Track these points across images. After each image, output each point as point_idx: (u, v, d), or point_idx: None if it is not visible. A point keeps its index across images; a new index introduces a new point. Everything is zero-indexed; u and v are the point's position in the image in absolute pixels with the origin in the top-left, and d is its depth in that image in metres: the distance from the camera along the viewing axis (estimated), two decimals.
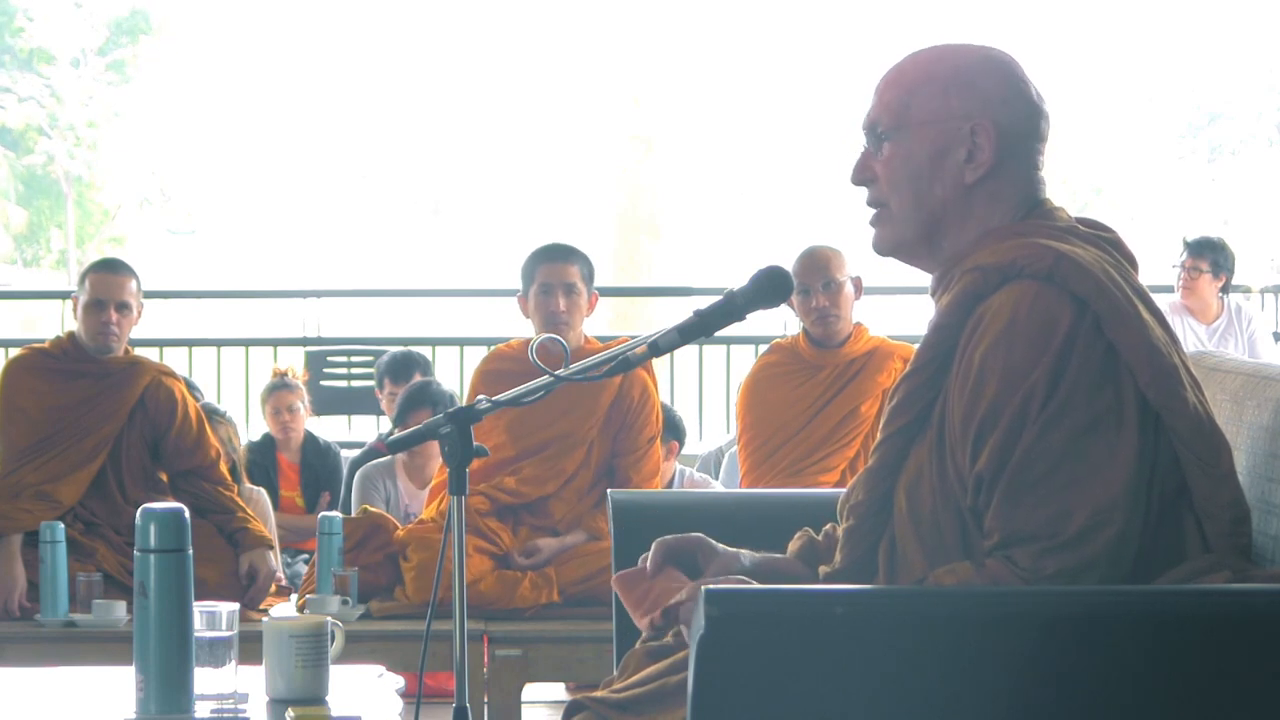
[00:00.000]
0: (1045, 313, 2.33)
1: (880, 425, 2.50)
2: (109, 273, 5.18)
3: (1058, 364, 2.30)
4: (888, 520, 2.46)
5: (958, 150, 2.47)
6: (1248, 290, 9.59)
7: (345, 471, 6.82)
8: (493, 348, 5.40)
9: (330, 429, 8.69)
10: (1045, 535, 2.27)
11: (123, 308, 5.13)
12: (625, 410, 5.02)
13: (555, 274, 4.97)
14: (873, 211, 2.56)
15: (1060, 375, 2.30)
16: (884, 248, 2.56)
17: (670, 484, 6.05)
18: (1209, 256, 7.35)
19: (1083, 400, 2.30)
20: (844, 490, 2.62)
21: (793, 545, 2.74)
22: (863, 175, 2.56)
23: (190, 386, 6.52)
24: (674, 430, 6.09)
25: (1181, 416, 2.34)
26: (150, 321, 5.60)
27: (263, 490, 6.19)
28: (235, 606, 2.90)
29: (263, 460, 7.08)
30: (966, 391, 2.34)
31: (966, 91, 2.48)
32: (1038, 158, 2.51)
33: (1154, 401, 2.33)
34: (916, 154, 2.49)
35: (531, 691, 5.04)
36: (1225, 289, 7.45)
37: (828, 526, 2.74)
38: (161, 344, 8.85)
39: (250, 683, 2.90)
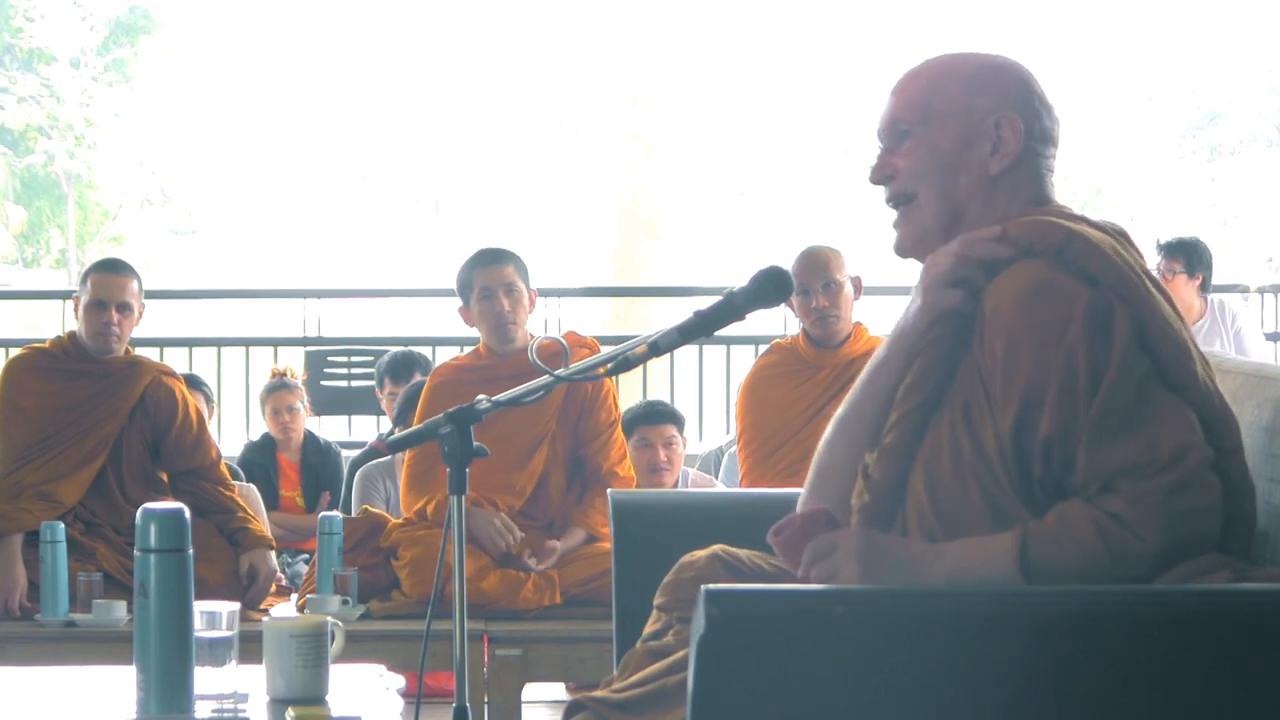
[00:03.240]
0: (1063, 285, 2.37)
1: (895, 405, 2.51)
2: (110, 273, 5.18)
3: (1092, 329, 2.34)
4: (903, 497, 2.47)
5: (982, 143, 2.51)
6: (1246, 290, 9.58)
7: (345, 471, 6.82)
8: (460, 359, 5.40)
9: (330, 429, 8.69)
10: (1143, 462, 2.30)
11: (124, 308, 5.12)
12: (580, 399, 5.04)
13: (493, 277, 4.99)
14: (895, 213, 2.58)
15: (1110, 338, 2.34)
16: (907, 245, 2.59)
17: (677, 484, 6.06)
18: (1182, 257, 7.32)
19: (1133, 360, 2.34)
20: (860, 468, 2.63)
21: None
22: (882, 174, 2.58)
23: (199, 383, 6.52)
24: (672, 416, 6.08)
25: (1193, 391, 2.38)
26: (150, 321, 5.60)
27: (252, 486, 6.18)
28: (235, 606, 2.90)
29: (263, 460, 7.09)
30: (998, 364, 2.36)
31: (987, 88, 2.53)
32: (1050, 160, 2.57)
33: (1169, 376, 2.37)
34: (941, 145, 2.53)
35: (531, 691, 5.04)
36: (1204, 288, 7.42)
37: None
38: (161, 344, 8.84)
39: (250, 683, 2.90)
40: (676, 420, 6.10)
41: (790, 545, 2.50)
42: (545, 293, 5.15)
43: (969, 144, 2.51)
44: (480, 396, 2.81)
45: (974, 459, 2.39)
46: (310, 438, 7.19)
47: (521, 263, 5.05)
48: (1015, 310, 2.36)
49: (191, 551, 2.73)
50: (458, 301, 5.16)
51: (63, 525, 4.84)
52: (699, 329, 2.69)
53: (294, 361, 8.09)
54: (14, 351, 5.99)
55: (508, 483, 4.98)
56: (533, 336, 5.09)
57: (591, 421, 5.04)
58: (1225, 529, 2.36)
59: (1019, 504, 2.37)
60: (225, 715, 2.78)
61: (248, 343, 9.61)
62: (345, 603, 4.79)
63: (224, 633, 2.84)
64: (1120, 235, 2.52)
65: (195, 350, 9.51)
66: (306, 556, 6.40)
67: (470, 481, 4.82)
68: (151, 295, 5.45)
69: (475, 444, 2.74)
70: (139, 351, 5.53)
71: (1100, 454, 2.32)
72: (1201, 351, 2.45)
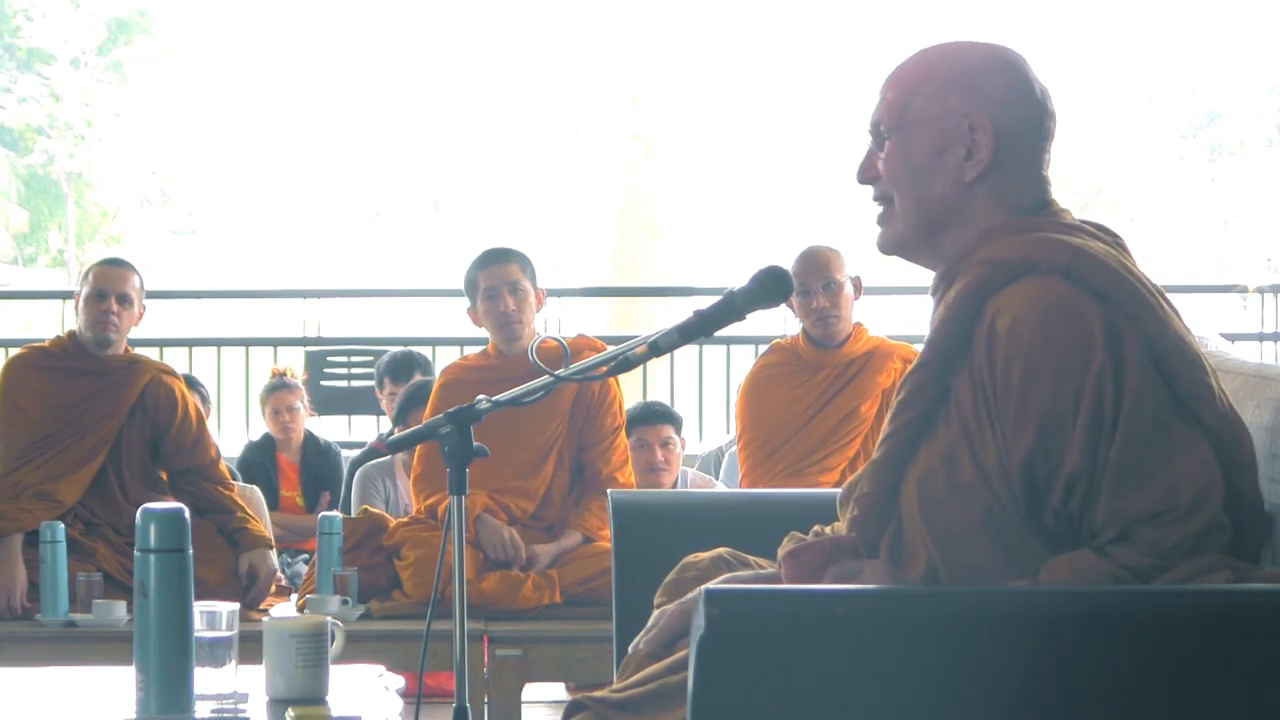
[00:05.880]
0: (1075, 306, 2.34)
1: (887, 419, 2.50)
2: (112, 266, 5.22)
3: (1113, 351, 2.31)
4: (893, 512, 2.46)
5: (956, 148, 2.48)
6: (1245, 289, 9.58)
7: (345, 471, 6.82)
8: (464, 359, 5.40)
9: (330, 429, 8.69)
10: (1163, 510, 2.28)
11: (124, 300, 5.13)
12: (588, 404, 5.05)
13: (497, 276, 4.98)
14: (879, 210, 2.57)
15: (1122, 363, 2.31)
16: (887, 246, 2.57)
17: (676, 485, 6.06)
18: None
19: (1149, 386, 2.32)
20: (843, 489, 2.62)
21: (782, 549, 2.74)
22: (867, 174, 2.57)
23: (195, 384, 6.52)
24: (669, 417, 6.09)
25: (1209, 406, 2.36)
26: (150, 321, 5.60)
27: (256, 488, 6.19)
28: (235, 606, 2.90)
29: (263, 460, 7.09)
30: (1013, 385, 2.33)
31: (966, 90, 2.48)
32: (1042, 157, 2.52)
33: (1183, 392, 2.35)
34: (916, 152, 2.50)
35: (531, 691, 5.04)
36: None
37: (816, 528, 2.74)
38: (161, 344, 8.85)
39: (250, 683, 2.90)
40: (674, 421, 6.11)
41: (809, 568, 2.49)
42: (546, 292, 5.15)
43: (942, 151, 2.47)
44: (480, 396, 2.80)
45: (973, 477, 2.36)
46: (310, 438, 7.19)
47: (527, 261, 5.05)
48: (1035, 329, 2.32)
49: (191, 551, 2.73)
50: (458, 301, 5.16)
51: (63, 525, 4.84)
52: (699, 329, 2.69)
53: (294, 361, 8.10)
54: (13, 351, 5.99)
55: (522, 487, 5.00)
56: (547, 339, 5.10)
57: (596, 426, 5.04)
58: (1234, 543, 2.34)
59: (1021, 524, 2.35)
60: (225, 715, 2.78)
61: (248, 343, 9.62)
62: (345, 603, 4.79)
63: (224, 633, 2.84)
64: (1117, 243, 2.49)
65: (195, 350, 9.53)
66: (306, 556, 6.40)
67: (485, 486, 4.91)
68: (151, 295, 5.46)
69: (475, 444, 2.74)
70: (138, 351, 5.53)
71: (1122, 498, 2.29)
72: (1212, 366, 2.42)
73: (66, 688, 3.15)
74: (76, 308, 5.20)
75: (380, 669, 3.16)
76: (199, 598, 2.78)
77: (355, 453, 6.88)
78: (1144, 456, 2.30)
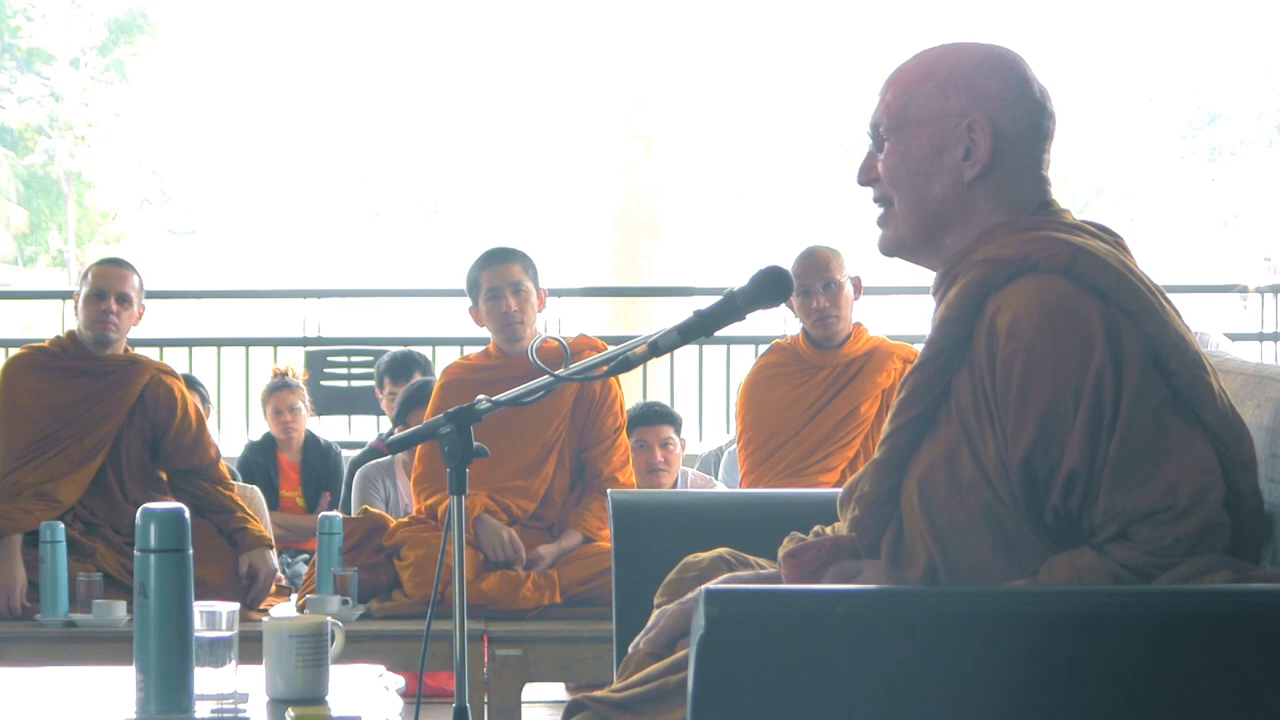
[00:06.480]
0: (1076, 304, 2.34)
1: (889, 418, 2.49)
2: (111, 266, 5.22)
3: (1113, 350, 2.31)
4: (894, 511, 2.46)
5: (955, 148, 2.48)
6: (1245, 289, 9.58)
7: (345, 471, 6.82)
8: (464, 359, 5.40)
9: (330, 429, 8.69)
10: (1162, 508, 2.29)
11: (123, 299, 5.13)
12: (589, 404, 5.04)
13: (500, 276, 4.98)
14: (880, 212, 2.57)
15: (1122, 361, 2.32)
16: (888, 248, 2.57)
17: (676, 485, 6.06)
18: None
19: (1150, 382, 2.32)
20: (843, 489, 2.62)
21: (782, 549, 2.74)
22: (867, 176, 2.57)
23: (195, 384, 6.52)
24: (669, 417, 6.09)
25: (1209, 405, 2.36)
26: (150, 321, 5.60)
27: (256, 488, 6.18)
28: (235, 606, 2.90)
29: (263, 460, 7.09)
30: (1014, 384, 2.33)
31: (964, 90, 2.48)
32: (1042, 156, 2.51)
33: (1183, 390, 2.35)
34: (914, 153, 2.50)
35: (531, 691, 5.04)
36: None
37: (817, 528, 2.74)
38: (161, 344, 8.84)
39: (250, 683, 2.90)
40: (673, 421, 6.11)
41: (809, 568, 2.50)
42: (547, 292, 5.15)
43: (941, 151, 2.48)
44: (480, 396, 2.80)
45: (974, 475, 2.36)
46: (311, 438, 7.19)
47: (530, 261, 5.05)
48: (1036, 327, 2.32)
49: (191, 551, 2.73)
50: (458, 301, 5.16)
51: (62, 525, 4.84)
52: (699, 329, 2.69)
53: (294, 361, 8.10)
54: (13, 351, 5.99)
55: (523, 487, 4.99)
56: (547, 339, 5.10)
57: (597, 425, 5.04)
58: (1234, 542, 2.34)
59: (1022, 523, 2.35)
60: (225, 715, 2.78)
61: (248, 343, 9.61)
62: (345, 603, 4.79)
63: (224, 633, 2.84)
64: (1117, 243, 2.50)
65: (195, 350, 9.52)
66: (306, 556, 6.40)
67: (485, 485, 4.91)
68: (151, 295, 5.46)
69: (475, 444, 2.74)
70: (138, 351, 5.53)
71: (1121, 496, 2.29)
72: (1213, 365, 2.42)
73: (66, 688, 3.15)
74: (76, 308, 5.20)
75: (380, 669, 3.16)
76: (199, 598, 2.78)
77: (355, 453, 6.88)
78: (1143, 454, 2.30)
